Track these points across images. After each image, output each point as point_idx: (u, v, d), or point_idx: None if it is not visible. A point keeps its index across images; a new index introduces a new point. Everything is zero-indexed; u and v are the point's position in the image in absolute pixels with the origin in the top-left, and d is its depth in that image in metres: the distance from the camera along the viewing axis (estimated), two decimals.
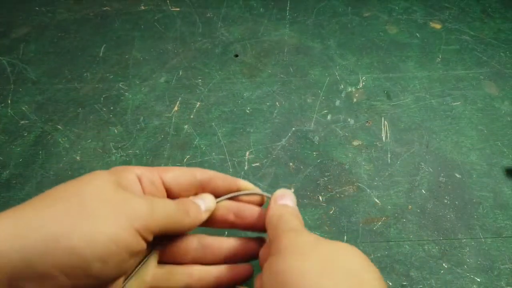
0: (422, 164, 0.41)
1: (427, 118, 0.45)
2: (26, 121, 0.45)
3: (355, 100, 0.47)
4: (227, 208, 0.28)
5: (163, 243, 0.27)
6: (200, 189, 0.28)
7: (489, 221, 0.37)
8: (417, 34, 0.56)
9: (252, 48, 0.54)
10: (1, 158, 0.41)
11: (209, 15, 0.59)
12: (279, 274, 0.20)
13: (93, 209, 0.21)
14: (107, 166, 0.41)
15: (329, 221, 0.37)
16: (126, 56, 0.53)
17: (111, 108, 0.46)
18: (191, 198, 0.27)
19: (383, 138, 0.44)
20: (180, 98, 0.47)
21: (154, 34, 0.56)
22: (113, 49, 0.54)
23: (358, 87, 0.49)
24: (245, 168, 0.41)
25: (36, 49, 0.54)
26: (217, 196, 0.28)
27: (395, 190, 0.39)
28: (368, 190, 0.39)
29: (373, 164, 0.41)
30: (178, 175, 0.27)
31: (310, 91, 0.48)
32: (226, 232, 0.35)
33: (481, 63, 0.51)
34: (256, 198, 0.30)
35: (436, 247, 0.35)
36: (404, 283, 0.33)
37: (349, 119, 0.45)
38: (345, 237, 0.36)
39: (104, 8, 0.60)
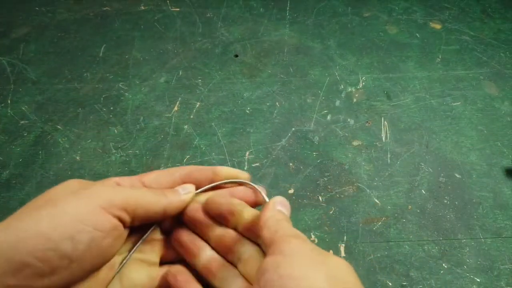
0: (422, 164, 0.41)
1: (427, 118, 0.45)
2: (26, 121, 0.45)
3: (355, 100, 0.47)
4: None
5: (150, 233, 0.27)
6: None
7: (489, 221, 0.37)
8: (417, 34, 0.56)
9: (252, 48, 0.54)
10: (1, 158, 0.41)
11: (209, 15, 0.59)
12: (289, 279, 0.20)
13: (58, 198, 0.22)
14: (107, 166, 0.41)
15: (329, 221, 0.37)
16: (126, 56, 0.53)
17: (111, 108, 0.46)
18: None
19: (383, 138, 0.44)
20: (180, 98, 0.47)
21: (154, 34, 0.56)
22: (113, 49, 0.54)
23: (358, 87, 0.49)
24: (245, 168, 0.41)
25: (36, 49, 0.54)
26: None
27: (395, 190, 0.39)
28: (368, 190, 0.39)
29: (373, 164, 0.41)
30: (157, 176, 0.28)
31: (310, 91, 0.48)
32: None
33: (481, 63, 0.51)
34: (248, 193, 0.29)
35: (436, 247, 0.35)
36: (404, 283, 0.33)
37: (349, 119, 0.45)
38: (345, 237, 0.36)
39: (104, 8, 0.60)
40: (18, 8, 0.60)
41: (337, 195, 0.39)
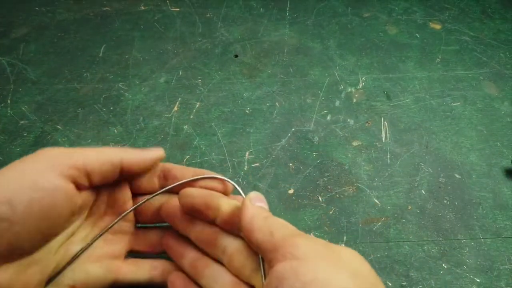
0: (422, 164, 0.41)
1: (426, 119, 0.45)
2: (26, 121, 0.45)
3: (354, 100, 0.47)
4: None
5: (132, 209, 0.27)
6: (163, 179, 0.29)
7: (488, 221, 0.37)
8: (417, 35, 0.56)
9: (252, 48, 0.54)
10: (1, 158, 0.41)
11: (209, 15, 0.59)
12: (315, 284, 0.19)
13: (15, 162, 0.21)
14: None
15: (328, 221, 0.37)
16: (126, 56, 0.53)
17: (111, 108, 0.46)
18: None
19: (383, 139, 0.44)
20: (180, 98, 0.47)
21: (154, 34, 0.56)
22: (113, 49, 0.54)
23: (358, 88, 0.49)
24: (245, 168, 0.41)
25: (36, 49, 0.54)
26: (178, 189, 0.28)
27: (395, 190, 0.39)
28: (368, 191, 0.39)
29: (373, 164, 0.41)
30: (139, 157, 0.27)
31: (310, 92, 0.48)
32: None
33: (480, 63, 0.51)
34: (217, 185, 0.28)
35: (436, 248, 0.35)
36: (404, 284, 0.33)
37: (348, 120, 0.45)
38: (345, 237, 0.36)
39: (104, 8, 0.60)
40: (18, 8, 0.60)
41: (337, 195, 0.39)
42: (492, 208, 0.38)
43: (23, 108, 0.46)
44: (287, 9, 0.60)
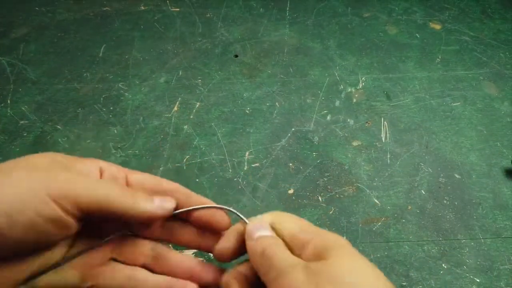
0: (422, 164, 0.41)
1: (426, 119, 0.45)
2: (26, 121, 0.45)
3: (354, 100, 0.47)
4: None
5: (114, 237, 0.26)
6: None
7: (488, 221, 0.37)
8: (417, 35, 0.56)
9: (252, 48, 0.54)
10: (1, 158, 0.41)
11: (209, 15, 0.59)
12: None
13: (9, 171, 0.21)
14: None
15: (328, 221, 0.37)
16: (126, 56, 0.53)
17: (111, 108, 0.46)
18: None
19: (383, 139, 0.44)
20: (179, 98, 0.47)
21: (154, 34, 0.56)
22: (113, 49, 0.54)
23: (357, 88, 0.49)
24: (245, 168, 0.41)
25: (36, 49, 0.53)
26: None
27: (395, 190, 0.39)
28: (368, 191, 0.39)
29: (373, 164, 0.41)
30: (144, 178, 0.26)
31: (309, 92, 0.48)
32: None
33: (480, 63, 0.51)
34: (220, 217, 0.27)
35: (436, 248, 0.35)
36: (404, 284, 0.33)
37: (348, 120, 0.45)
38: (345, 237, 0.36)
39: (104, 8, 0.60)
40: (18, 8, 0.60)
41: (337, 195, 0.39)
42: (492, 208, 0.38)
43: (23, 108, 0.46)
44: (287, 9, 0.60)
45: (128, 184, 0.26)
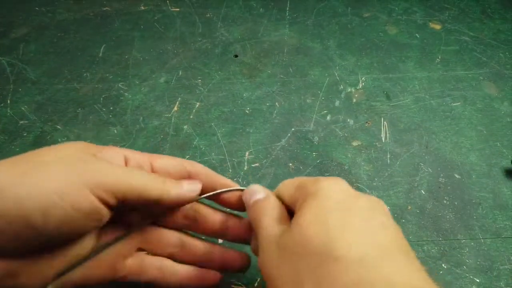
0: (422, 164, 0.41)
1: (426, 119, 0.45)
2: (26, 121, 0.45)
3: (354, 100, 0.47)
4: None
5: (141, 225, 0.26)
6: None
7: (488, 221, 0.37)
8: (417, 35, 0.56)
9: (252, 48, 0.54)
10: (1, 158, 0.41)
11: (208, 15, 0.59)
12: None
13: (46, 164, 0.20)
14: None
15: None
16: (126, 56, 0.53)
17: (111, 108, 0.46)
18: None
19: (383, 139, 0.44)
20: (179, 98, 0.47)
21: (154, 34, 0.56)
22: (113, 49, 0.54)
23: (357, 88, 0.49)
24: (245, 168, 0.41)
25: (35, 49, 0.54)
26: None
27: (395, 190, 0.39)
28: (368, 191, 0.39)
29: (373, 164, 0.41)
30: (168, 162, 0.26)
31: (309, 92, 0.48)
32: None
33: (480, 63, 0.51)
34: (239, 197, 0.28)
35: (436, 248, 0.35)
36: None
37: (348, 120, 0.45)
38: None
39: (104, 8, 0.60)
40: (18, 8, 0.60)
41: None
42: (492, 208, 0.38)
43: (23, 108, 0.46)
44: (287, 9, 0.60)
45: (153, 170, 0.26)
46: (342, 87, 0.49)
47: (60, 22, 0.57)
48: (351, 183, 0.40)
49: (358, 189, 0.39)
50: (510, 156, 0.42)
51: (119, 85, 0.49)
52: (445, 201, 0.39)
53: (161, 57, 0.52)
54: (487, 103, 0.47)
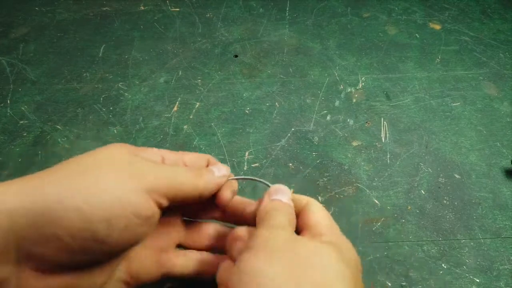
0: (422, 164, 0.41)
1: (426, 119, 0.45)
2: (26, 121, 0.45)
3: (354, 100, 0.47)
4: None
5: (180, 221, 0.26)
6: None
7: (488, 221, 0.37)
8: (417, 35, 0.56)
9: (251, 48, 0.54)
10: (0, 158, 0.41)
11: (208, 15, 0.59)
12: (246, 274, 0.18)
13: (100, 170, 0.20)
14: None
15: None
16: (126, 56, 0.53)
17: (111, 108, 0.46)
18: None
19: (383, 139, 0.44)
20: (179, 98, 0.47)
21: (153, 35, 0.56)
22: (113, 49, 0.54)
23: (357, 88, 0.49)
24: (245, 168, 0.41)
25: (35, 49, 0.53)
26: None
27: (395, 190, 0.39)
28: (368, 191, 0.39)
29: (373, 164, 0.41)
30: (195, 157, 0.27)
31: (309, 92, 0.48)
32: None
33: (480, 63, 0.51)
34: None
35: (435, 248, 0.35)
36: (403, 284, 0.33)
37: (348, 120, 0.45)
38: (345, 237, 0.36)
39: (104, 8, 0.60)
40: (18, 8, 0.60)
41: (337, 196, 0.39)
42: (491, 208, 0.38)
43: (23, 108, 0.46)
44: (287, 9, 0.60)
45: (185, 165, 0.26)
46: (342, 87, 0.49)
47: (59, 22, 0.57)
48: (351, 183, 0.40)
49: (358, 189, 0.39)
50: (510, 156, 0.42)
51: (119, 85, 0.49)
52: (445, 201, 0.39)
53: (161, 57, 0.52)
54: (487, 103, 0.47)
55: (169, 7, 0.60)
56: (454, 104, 0.47)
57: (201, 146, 0.43)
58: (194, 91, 0.48)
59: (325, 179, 0.40)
